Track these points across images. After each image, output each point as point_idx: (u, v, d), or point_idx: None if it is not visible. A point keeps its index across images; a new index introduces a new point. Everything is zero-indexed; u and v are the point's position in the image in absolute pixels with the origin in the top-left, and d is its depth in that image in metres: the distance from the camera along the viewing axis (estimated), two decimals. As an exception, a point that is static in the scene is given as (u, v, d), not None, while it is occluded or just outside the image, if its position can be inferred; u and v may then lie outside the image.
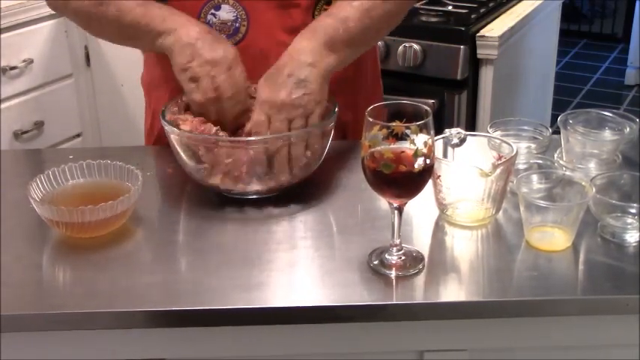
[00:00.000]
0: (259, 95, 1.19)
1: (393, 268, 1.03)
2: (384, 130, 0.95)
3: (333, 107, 1.22)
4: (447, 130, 1.17)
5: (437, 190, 1.13)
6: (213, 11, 1.29)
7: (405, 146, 0.95)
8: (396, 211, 1.02)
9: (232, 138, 1.17)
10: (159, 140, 1.43)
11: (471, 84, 2.37)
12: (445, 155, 1.16)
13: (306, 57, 1.19)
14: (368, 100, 1.43)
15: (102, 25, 1.28)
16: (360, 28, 1.24)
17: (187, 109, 1.24)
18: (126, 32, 1.27)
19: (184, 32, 1.21)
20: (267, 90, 1.19)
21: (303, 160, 1.18)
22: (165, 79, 1.34)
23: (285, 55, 1.21)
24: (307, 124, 1.18)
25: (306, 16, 1.31)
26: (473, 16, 2.38)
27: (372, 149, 0.97)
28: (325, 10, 1.30)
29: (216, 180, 1.17)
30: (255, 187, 1.18)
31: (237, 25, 1.29)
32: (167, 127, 1.18)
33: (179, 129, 1.17)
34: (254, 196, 1.20)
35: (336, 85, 1.27)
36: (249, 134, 1.19)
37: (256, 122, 1.18)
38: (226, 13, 1.29)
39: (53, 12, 1.41)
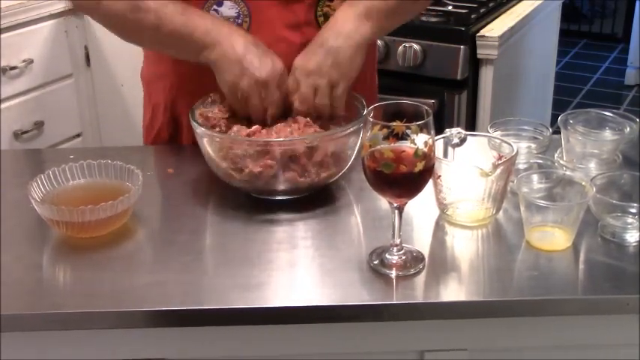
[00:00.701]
0: (294, 63, 1.24)
1: (394, 268, 1.03)
2: (385, 130, 0.95)
3: (361, 107, 1.24)
4: (447, 129, 1.17)
5: (437, 190, 1.13)
6: (215, 7, 1.29)
7: (406, 146, 0.95)
8: (396, 211, 1.02)
9: (263, 139, 1.17)
10: (158, 136, 1.43)
11: (471, 84, 2.36)
12: (445, 155, 1.16)
13: (341, 26, 1.24)
14: (365, 100, 1.44)
15: (139, 32, 1.27)
16: None
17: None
18: (166, 42, 1.26)
19: (229, 46, 1.20)
20: (301, 57, 1.24)
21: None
22: (165, 74, 1.34)
23: (326, 24, 1.26)
24: (332, 95, 1.22)
25: (309, 12, 1.31)
26: (473, 16, 2.38)
27: (373, 149, 0.97)
28: (328, 6, 1.31)
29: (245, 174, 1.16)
30: (281, 186, 1.18)
31: (239, 21, 1.29)
32: (199, 130, 1.18)
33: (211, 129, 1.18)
34: (282, 197, 1.20)
35: None
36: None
37: (288, 86, 1.23)
38: (228, 9, 1.29)
39: (53, 12, 1.40)
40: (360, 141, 1.18)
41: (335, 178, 1.22)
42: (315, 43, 1.25)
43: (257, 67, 1.20)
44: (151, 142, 1.45)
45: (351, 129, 1.17)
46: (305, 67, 1.23)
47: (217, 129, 1.20)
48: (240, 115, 1.24)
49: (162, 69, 1.37)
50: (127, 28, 1.27)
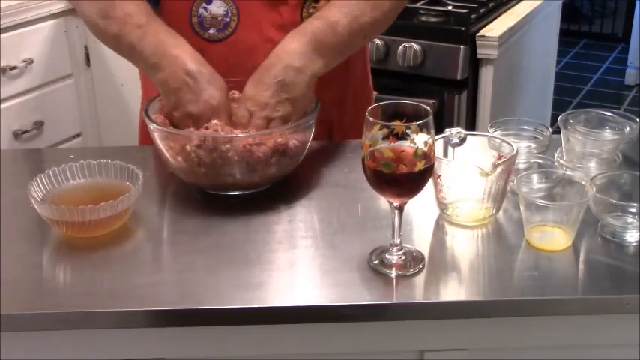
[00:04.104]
0: (245, 92, 1.21)
1: (394, 268, 1.03)
2: (385, 130, 0.95)
3: (315, 104, 1.23)
4: (447, 129, 1.17)
5: (437, 190, 1.13)
6: (204, 5, 1.30)
7: (406, 146, 0.95)
8: (396, 211, 1.02)
9: (218, 135, 1.17)
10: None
11: (471, 84, 2.37)
12: (445, 155, 1.16)
13: (293, 60, 1.20)
14: (356, 99, 1.44)
15: (105, 39, 1.28)
16: (348, 33, 1.25)
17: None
18: (124, 54, 1.27)
19: (170, 74, 1.19)
20: (253, 88, 1.20)
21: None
22: None
23: (273, 55, 1.22)
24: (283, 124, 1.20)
25: (293, 13, 1.31)
26: (473, 16, 2.38)
27: (373, 149, 0.97)
28: (313, 8, 1.31)
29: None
30: (236, 181, 1.18)
31: (228, 19, 1.30)
32: (151, 126, 1.18)
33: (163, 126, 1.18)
34: (237, 193, 1.21)
35: (324, 83, 1.27)
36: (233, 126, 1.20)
37: (239, 116, 1.20)
38: (217, 7, 1.30)
39: (53, 12, 1.41)
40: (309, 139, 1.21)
41: (287, 172, 1.22)
42: (268, 74, 1.20)
43: (191, 100, 1.19)
44: (145, 141, 1.45)
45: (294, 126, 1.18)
46: (258, 99, 1.19)
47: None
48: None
49: None
50: (97, 33, 1.29)
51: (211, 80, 1.20)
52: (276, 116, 1.20)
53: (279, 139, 1.16)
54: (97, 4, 1.25)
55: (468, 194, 1.12)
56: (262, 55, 1.23)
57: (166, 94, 1.21)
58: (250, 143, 1.14)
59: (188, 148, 1.14)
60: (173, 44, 1.21)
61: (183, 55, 1.20)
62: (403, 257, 1.04)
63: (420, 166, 0.96)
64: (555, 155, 1.27)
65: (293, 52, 1.21)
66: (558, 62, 3.76)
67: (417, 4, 2.48)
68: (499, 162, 1.09)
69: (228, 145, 1.13)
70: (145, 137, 1.46)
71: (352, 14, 1.25)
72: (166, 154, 1.18)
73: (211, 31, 1.31)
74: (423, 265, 1.04)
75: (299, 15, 1.32)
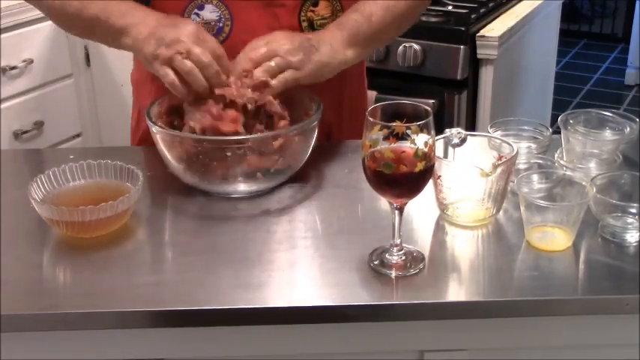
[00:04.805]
0: (266, 36, 1.22)
1: (394, 268, 1.03)
2: (385, 130, 0.95)
3: (317, 105, 1.23)
4: (447, 130, 1.17)
5: (437, 190, 1.13)
6: (196, 11, 1.29)
7: (406, 146, 0.95)
8: (396, 211, 1.02)
9: (217, 137, 1.17)
10: (144, 139, 1.42)
11: (471, 84, 2.36)
12: (445, 155, 1.16)
13: (330, 40, 1.24)
14: (352, 101, 1.44)
15: (65, 18, 1.28)
16: (382, 24, 1.29)
17: (171, 111, 1.24)
18: (89, 29, 1.27)
19: (142, 27, 1.20)
20: (283, 32, 1.23)
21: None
22: (151, 78, 1.34)
23: (314, 33, 1.26)
24: (276, 75, 1.19)
25: (291, 16, 1.31)
26: (473, 16, 2.38)
27: (373, 149, 0.97)
28: (311, 11, 1.31)
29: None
30: (240, 187, 1.18)
31: (221, 24, 1.29)
32: (153, 128, 1.18)
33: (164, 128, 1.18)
34: (239, 195, 1.20)
35: (321, 86, 1.27)
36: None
37: (253, 42, 1.21)
38: (210, 12, 1.29)
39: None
40: (313, 140, 1.21)
41: (287, 174, 1.22)
42: (303, 34, 1.25)
43: (169, 31, 1.17)
44: (139, 143, 1.45)
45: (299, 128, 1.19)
46: (281, 39, 1.21)
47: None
48: (179, 95, 1.20)
49: (149, 73, 1.36)
50: (54, 13, 1.29)
51: (182, 19, 1.21)
52: (282, 58, 1.19)
53: (286, 142, 1.16)
54: None
55: (468, 194, 1.12)
56: None
57: (144, 44, 1.19)
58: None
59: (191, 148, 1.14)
60: (135, 7, 1.23)
61: (150, 11, 1.22)
62: (403, 257, 1.04)
63: (420, 166, 0.96)
64: (555, 155, 1.27)
65: (329, 36, 1.24)
66: (558, 62, 3.76)
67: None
68: (499, 162, 1.09)
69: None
70: (139, 141, 1.46)
71: (386, 5, 1.29)
72: (168, 155, 1.18)
73: None
74: (423, 266, 1.04)
75: (297, 18, 1.31)
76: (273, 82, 1.19)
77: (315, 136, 1.22)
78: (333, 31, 1.26)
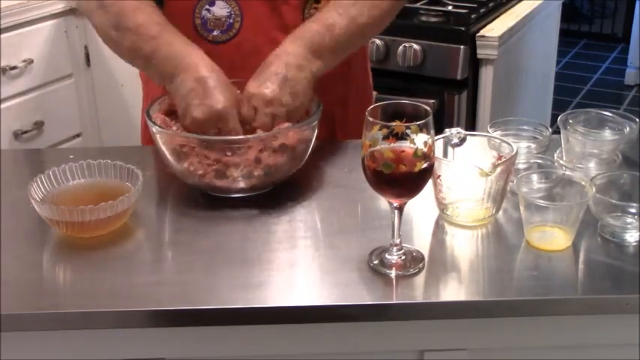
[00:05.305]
0: (247, 90, 1.21)
1: (393, 268, 1.03)
2: (384, 130, 0.95)
3: (317, 104, 1.23)
4: (447, 129, 1.17)
5: (437, 190, 1.13)
6: (207, 7, 1.30)
7: (405, 146, 0.95)
8: (396, 211, 1.02)
9: (221, 137, 1.17)
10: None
11: (471, 84, 2.37)
12: (445, 155, 1.16)
13: (292, 59, 1.21)
14: (358, 96, 1.44)
15: (119, 52, 1.28)
16: (346, 34, 1.25)
17: (169, 112, 1.24)
18: (138, 65, 1.28)
19: (181, 82, 1.19)
20: (255, 84, 1.20)
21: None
22: None
23: (272, 55, 1.22)
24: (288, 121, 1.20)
25: (295, 14, 1.31)
26: (473, 16, 2.38)
27: (372, 149, 0.97)
28: (315, 8, 1.31)
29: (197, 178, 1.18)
30: (239, 184, 1.18)
31: (231, 21, 1.29)
32: (153, 128, 1.18)
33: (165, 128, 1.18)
34: (239, 195, 1.20)
35: (327, 81, 1.27)
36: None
37: (245, 115, 1.20)
38: (220, 9, 1.29)
39: (53, 12, 1.41)
40: (313, 139, 1.21)
41: (289, 173, 1.22)
42: (269, 70, 1.21)
43: (196, 105, 1.17)
44: (149, 142, 1.45)
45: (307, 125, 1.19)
46: (263, 96, 1.19)
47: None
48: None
49: None
50: (111, 45, 1.28)
51: (218, 86, 1.19)
52: (281, 113, 1.19)
53: (286, 141, 1.16)
54: (108, 15, 1.24)
55: (468, 194, 1.12)
56: (266, 54, 1.23)
57: (178, 103, 1.21)
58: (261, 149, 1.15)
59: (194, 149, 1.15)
60: (185, 54, 1.21)
61: (195, 63, 1.20)
62: (403, 257, 1.04)
63: (419, 166, 0.96)
64: (555, 155, 1.27)
65: (292, 53, 1.21)
66: (558, 62, 3.76)
67: (417, 4, 2.48)
68: (499, 162, 1.09)
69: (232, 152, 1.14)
70: (149, 140, 1.46)
71: (349, 15, 1.25)
72: (168, 156, 1.18)
73: (215, 32, 1.31)
74: (423, 265, 1.04)
75: (301, 15, 1.31)
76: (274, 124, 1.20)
77: (316, 135, 1.22)
78: (295, 48, 1.22)
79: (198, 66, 1.20)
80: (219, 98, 1.18)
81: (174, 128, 1.21)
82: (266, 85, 1.20)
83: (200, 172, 1.16)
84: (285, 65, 1.20)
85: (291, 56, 1.21)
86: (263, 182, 1.19)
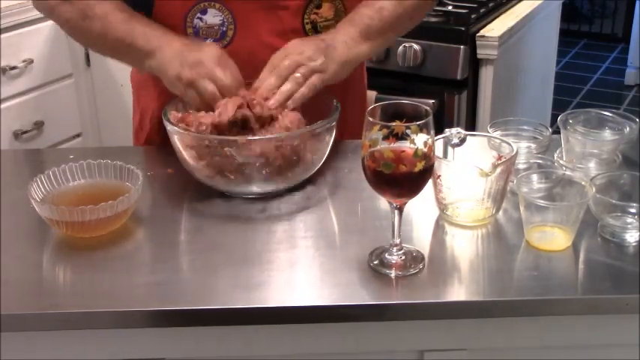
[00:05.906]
0: (290, 42, 1.24)
1: (393, 268, 1.03)
2: (384, 130, 0.95)
3: (336, 105, 1.23)
4: (447, 129, 1.17)
5: (437, 190, 1.13)
6: (199, 15, 1.29)
7: (406, 146, 0.95)
8: (396, 211, 1.02)
9: (235, 137, 1.17)
10: (149, 138, 1.42)
11: (471, 84, 2.36)
12: (445, 155, 1.16)
13: (342, 36, 1.26)
14: (354, 101, 1.44)
15: (89, 39, 1.30)
16: (394, 16, 1.30)
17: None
18: (112, 50, 1.29)
19: (167, 50, 1.22)
20: (297, 40, 1.25)
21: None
22: (154, 80, 1.34)
23: (326, 32, 1.28)
24: (304, 83, 1.21)
25: (295, 19, 1.31)
26: (473, 16, 2.38)
27: (373, 149, 0.97)
28: (315, 13, 1.31)
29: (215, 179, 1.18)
30: (255, 187, 1.18)
31: (224, 29, 1.29)
32: (170, 128, 1.18)
33: (184, 128, 1.17)
34: (255, 196, 1.20)
35: (326, 87, 1.27)
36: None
37: (274, 56, 1.23)
38: (213, 17, 1.29)
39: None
40: (331, 141, 1.22)
41: (306, 175, 1.22)
42: (316, 37, 1.26)
43: (193, 53, 1.19)
44: (142, 143, 1.45)
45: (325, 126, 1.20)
46: (299, 47, 1.22)
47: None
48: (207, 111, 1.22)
49: (150, 76, 1.36)
50: (78, 34, 1.30)
51: (206, 43, 1.22)
52: (306, 67, 1.20)
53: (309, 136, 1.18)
54: (72, 7, 1.25)
55: (468, 194, 1.12)
56: (261, 62, 1.23)
57: (168, 67, 1.21)
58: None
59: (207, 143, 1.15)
60: (160, 30, 1.24)
61: (173, 35, 1.24)
62: (403, 257, 1.04)
63: (419, 166, 0.96)
64: (555, 155, 1.27)
65: (342, 32, 1.26)
66: (558, 62, 3.76)
67: (417, 4, 2.47)
68: (499, 162, 1.09)
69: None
70: (142, 142, 1.46)
71: None
72: (187, 158, 1.18)
73: (208, 41, 1.29)
74: (423, 265, 1.04)
75: (300, 21, 1.31)
76: (303, 89, 1.21)
77: (334, 136, 1.23)
78: (346, 28, 1.27)
79: (177, 37, 1.23)
80: (213, 45, 1.22)
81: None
82: (306, 41, 1.24)
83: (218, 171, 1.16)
84: (333, 39, 1.24)
85: (340, 34, 1.25)
86: (282, 184, 1.20)
